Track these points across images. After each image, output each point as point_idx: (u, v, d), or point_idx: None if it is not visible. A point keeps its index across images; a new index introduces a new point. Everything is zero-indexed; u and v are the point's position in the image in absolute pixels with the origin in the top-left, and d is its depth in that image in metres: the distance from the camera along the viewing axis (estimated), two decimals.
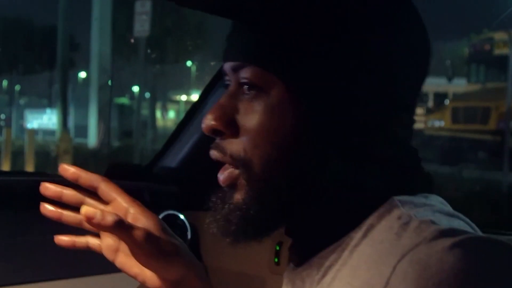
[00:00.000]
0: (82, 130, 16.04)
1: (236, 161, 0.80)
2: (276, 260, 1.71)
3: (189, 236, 1.88)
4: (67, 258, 1.63)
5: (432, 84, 18.98)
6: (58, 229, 1.64)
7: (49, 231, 1.62)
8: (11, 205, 1.64)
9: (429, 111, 16.35)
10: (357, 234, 0.76)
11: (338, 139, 0.77)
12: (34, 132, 13.92)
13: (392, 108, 0.79)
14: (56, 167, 10.81)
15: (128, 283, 1.69)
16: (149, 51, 14.45)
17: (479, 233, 0.75)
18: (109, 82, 14.34)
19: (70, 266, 1.63)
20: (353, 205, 0.78)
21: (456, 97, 16.20)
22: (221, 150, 0.81)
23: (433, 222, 0.69)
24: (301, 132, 0.77)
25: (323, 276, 0.77)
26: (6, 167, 11.03)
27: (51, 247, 1.59)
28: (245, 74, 0.79)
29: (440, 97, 18.10)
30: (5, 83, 25.01)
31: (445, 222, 0.70)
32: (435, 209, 0.74)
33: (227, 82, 0.84)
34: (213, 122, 0.81)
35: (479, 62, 14.79)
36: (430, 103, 18.38)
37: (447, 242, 0.64)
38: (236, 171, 0.81)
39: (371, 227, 0.75)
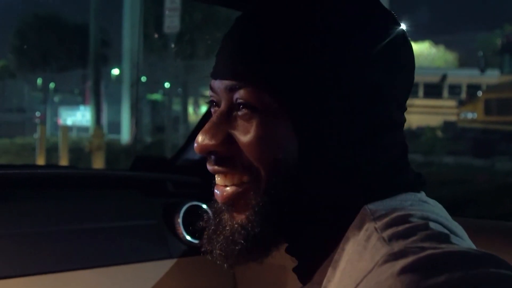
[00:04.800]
0: (115, 126, 16.18)
1: (247, 172, 0.81)
2: None
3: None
4: (98, 246, 1.68)
5: (465, 76, 18.79)
6: (85, 219, 1.70)
7: (77, 221, 1.68)
8: (43, 196, 1.69)
9: (461, 103, 16.16)
10: (339, 249, 0.77)
11: (327, 154, 0.79)
12: (68, 129, 14.07)
13: (377, 122, 0.80)
14: (89, 163, 10.83)
15: (141, 273, 1.73)
16: (180, 46, 14.49)
17: (452, 232, 0.73)
18: (140, 79, 14.41)
19: (101, 255, 1.67)
20: (334, 218, 0.80)
21: (489, 88, 16.00)
22: (227, 163, 0.83)
23: (390, 239, 0.69)
24: (295, 148, 0.79)
25: None
26: (40, 163, 11.17)
27: (80, 237, 1.65)
28: (241, 94, 0.80)
29: (472, 88, 17.92)
30: (39, 81, 25.30)
31: (403, 233, 0.69)
32: (400, 215, 0.73)
33: (213, 99, 0.86)
34: (207, 141, 0.82)
35: None
36: (463, 95, 18.20)
37: (396, 266, 0.63)
38: (240, 189, 0.83)
39: (347, 240, 0.76)
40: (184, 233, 1.84)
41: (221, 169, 0.83)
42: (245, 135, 0.80)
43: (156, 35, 15.23)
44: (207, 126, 0.83)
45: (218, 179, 0.85)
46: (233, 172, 0.83)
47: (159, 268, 1.76)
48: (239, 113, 0.81)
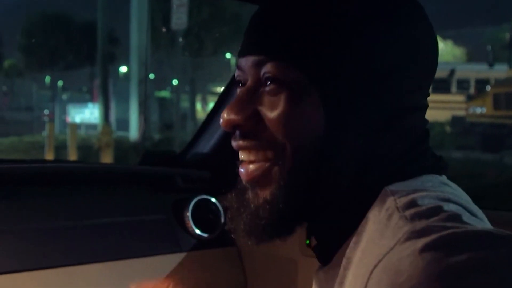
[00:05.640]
0: (123, 124, 16.18)
1: (272, 147, 0.80)
2: (307, 242, 1.73)
3: (222, 220, 1.91)
4: (109, 241, 1.68)
5: (473, 70, 18.69)
6: (94, 214, 1.70)
7: (86, 216, 1.68)
8: (52, 191, 1.70)
9: (470, 98, 16.10)
10: (359, 229, 0.76)
11: (352, 130, 0.79)
12: (76, 126, 14.09)
13: (402, 103, 0.81)
14: (98, 160, 10.84)
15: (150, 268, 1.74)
16: (187, 43, 14.50)
17: (473, 214, 0.73)
18: (148, 76, 14.42)
19: (111, 249, 1.67)
20: (355, 197, 0.80)
21: (498, 83, 15.92)
22: (252, 137, 0.82)
23: (412, 218, 0.68)
24: (321, 124, 0.78)
25: (342, 276, 0.78)
26: None
27: (90, 231, 1.65)
28: (268, 69, 0.80)
29: (481, 83, 17.81)
30: (47, 79, 25.37)
31: (424, 212, 0.69)
32: (422, 195, 0.73)
33: (239, 78, 0.86)
34: (233, 116, 0.82)
35: None
36: (471, 90, 18.11)
37: (418, 244, 0.63)
38: (267, 164, 0.81)
39: (368, 221, 0.76)
40: (194, 227, 1.84)
41: (246, 144, 0.83)
42: (272, 110, 0.80)
43: (164, 32, 15.24)
44: (233, 102, 0.83)
45: (242, 155, 0.84)
46: (258, 148, 0.82)
47: (169, 261, 1.76)
48: (266, 88, 0.81)
